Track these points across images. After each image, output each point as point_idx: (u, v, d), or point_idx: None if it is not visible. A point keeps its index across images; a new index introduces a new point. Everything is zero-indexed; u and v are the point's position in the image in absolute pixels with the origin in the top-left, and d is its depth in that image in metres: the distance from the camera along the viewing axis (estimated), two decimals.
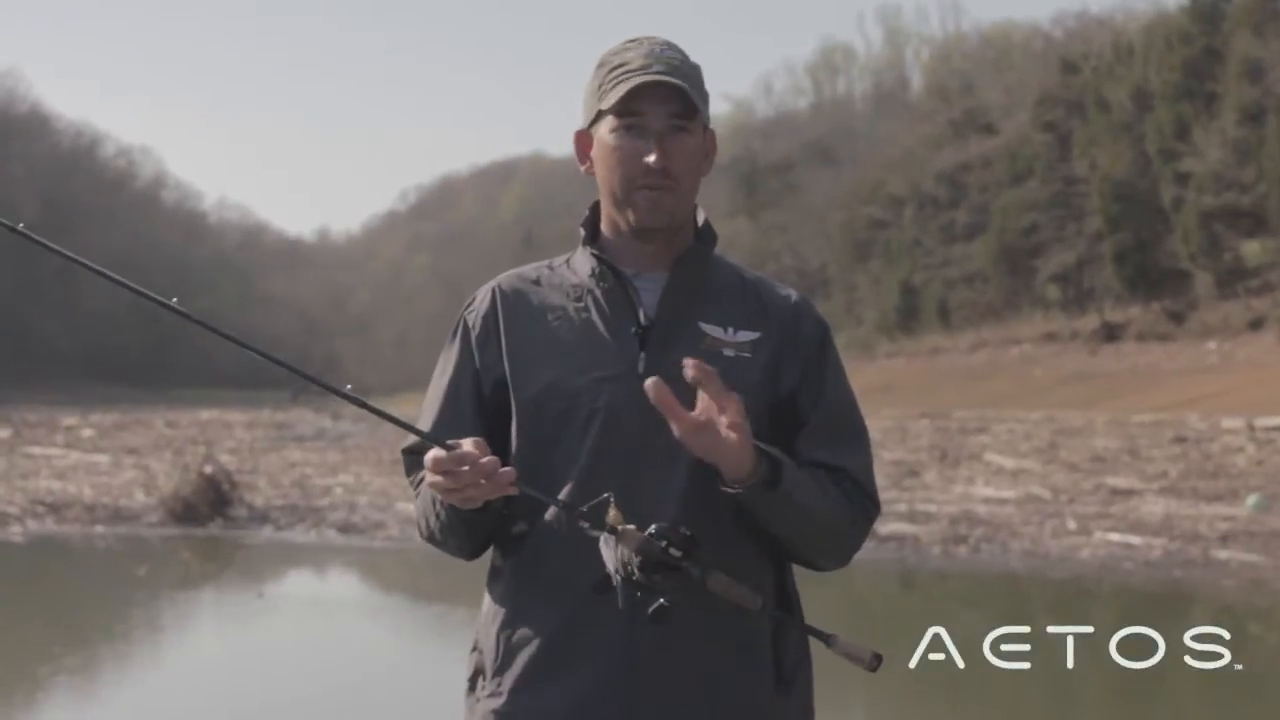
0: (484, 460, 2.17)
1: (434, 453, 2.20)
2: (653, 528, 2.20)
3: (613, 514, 2.22)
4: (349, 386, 2.34)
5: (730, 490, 2.25)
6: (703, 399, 2.19)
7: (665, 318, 2.40)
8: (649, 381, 2.18)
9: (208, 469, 17.84)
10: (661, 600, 2.19)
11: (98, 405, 52.22)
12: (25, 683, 8.97)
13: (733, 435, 2.19)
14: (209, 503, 17.11)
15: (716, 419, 2.19)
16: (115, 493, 19.44)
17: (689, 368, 2.18)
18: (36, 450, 27.08)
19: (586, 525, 2.27)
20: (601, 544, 2.26)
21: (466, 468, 2.17)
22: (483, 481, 2.17)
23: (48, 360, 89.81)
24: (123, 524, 17.03)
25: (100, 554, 15.36)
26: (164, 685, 9.35)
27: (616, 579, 2.24)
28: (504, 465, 2.21)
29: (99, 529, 16.73)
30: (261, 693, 8.85)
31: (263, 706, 8.37)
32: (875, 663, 2.25)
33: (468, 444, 2.21)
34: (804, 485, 2.32)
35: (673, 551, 2.18)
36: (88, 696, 8.85)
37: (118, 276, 2.40)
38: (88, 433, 32.61)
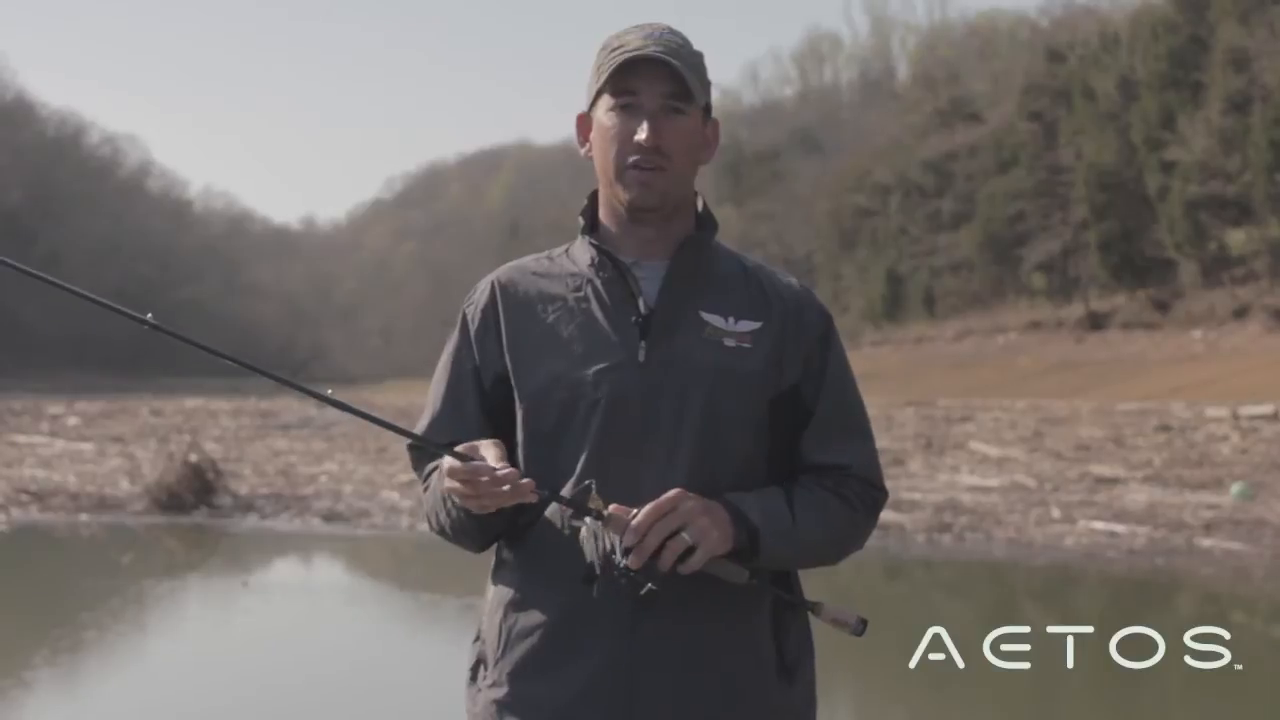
0: (504, 472, 2.19)
1: (452, 462, 2.23)
2: (635, 511, 2.21)
3: (595, 500, 2.23)
4: (330, 391, 2.36)
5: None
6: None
7: (666, 306, 2.39)
8: (610, 508, 2.22)
9: (193, 457, 17.79)
10: (650, 585, 2.20)
11: (83, 393, 52.08)
12: (8, 672, 8.95)
13: (692, 548, 2.22)
14: (194, 491, 17.07)
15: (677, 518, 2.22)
16: (100, 481, 19.40)
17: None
18: (21, 438, 27.00)
19: (569, 514, 2.28)
20: (583, 533, 2.27)
21: (486, 479, 2.19)
22: (505, 489, 2.19)
23: (33, 348, 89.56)
24: (107, 512, 16.99)
25: (85, 542, 15.32)
26: (148, 674, 9.34)
27: (598, 567, 2.25)
28: (511, 459, 2.26)
29: (84, 517, 16.69)
30: (246, 681, 8.84)
31: (247, 695, 8.36)
32: (861, 627, 2.28)
33: (488, 450, 2.23)
34: (789, 536, 2.33)
35: None
36: (72, 686, 8.83)
37: (89, 293, 2.39)
38: (73, 421, 32.52)
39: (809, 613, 2.36)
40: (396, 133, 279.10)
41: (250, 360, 2.42)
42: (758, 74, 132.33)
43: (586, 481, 2.28)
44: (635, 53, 2.35)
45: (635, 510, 2.21)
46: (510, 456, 2.32)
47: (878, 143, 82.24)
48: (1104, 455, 22.69)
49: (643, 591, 2.20)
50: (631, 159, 2.38)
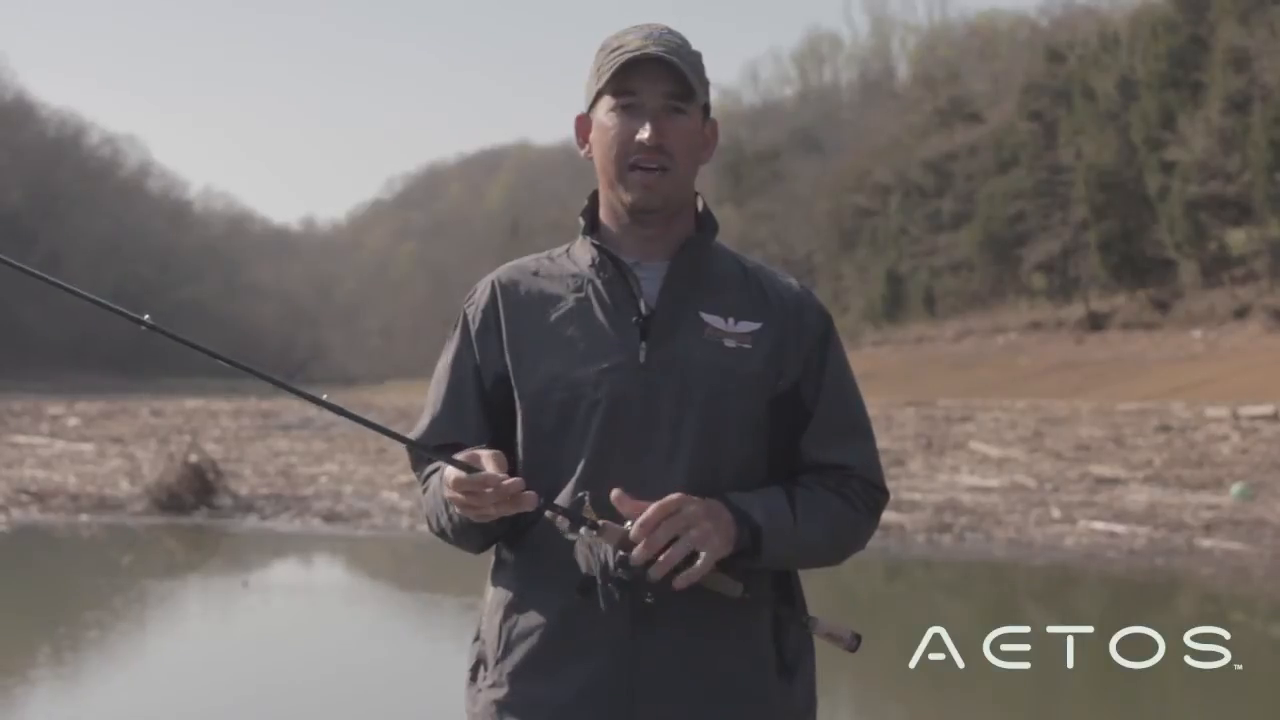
0: (507, 483, 2.18)
1: (456, 473, 2.22)
2: (629, 523, 2.21)
3: (589, 511, 2.24)
4: (325, 395, 2.38)
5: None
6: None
7: (666, 307, 2.39)
8: (614, 495, 2.21)
9: (193, 458, 17.79)
10: (647, 598, 2.20)
11: (83, 394, 52.15)
12: (9, 671, 8.95)
13: (700, 552, 2.21)
14: (194, 492, 17.07)
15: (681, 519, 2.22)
16: (100, 482, 19.40)
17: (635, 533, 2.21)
18: (21, 439, 27.01)
19: (565, 525, 2.28)
20: (578, 545, 2.28)
21: (490, 490, 2.19)
22: (506, 501, 2.19)
23: (33, 349, 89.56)
24: (107, 513, 17.00)
25: (85, 543, 15.33)
26: (148, 674, 9.33)
27: (597, 579, 2.26)
28: (510, 460, 2.26)
29: (84, 518, 16.69)
30: (246, 681, 8.83)
31: (247, 695, 8.36)
32: (855, 643, 2.27)
33: (488, 461, 2.23)
34: (791, 536, 2.33)
35: None
36: (72, 686, 8.83)
37: (88, 294, 2.39)
38: (73, 421, 32.53)
39: (803, 627, 2.35)
40: (396, 133, 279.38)
41: (246, 361, 2.42)
42: (758, 74, 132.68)
43: (580, 493, 2.28)
44: (636, 52, 2.35)
45: (629, 522, 2.21)
46: (510, 457, 2.33)
47: (878, 143, 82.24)
48: (1104, 455, 22.68)
49: (648, 599, 2.21)
50: (634, 159, 2.37)
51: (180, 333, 2.36)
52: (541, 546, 2.36)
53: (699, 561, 2.21)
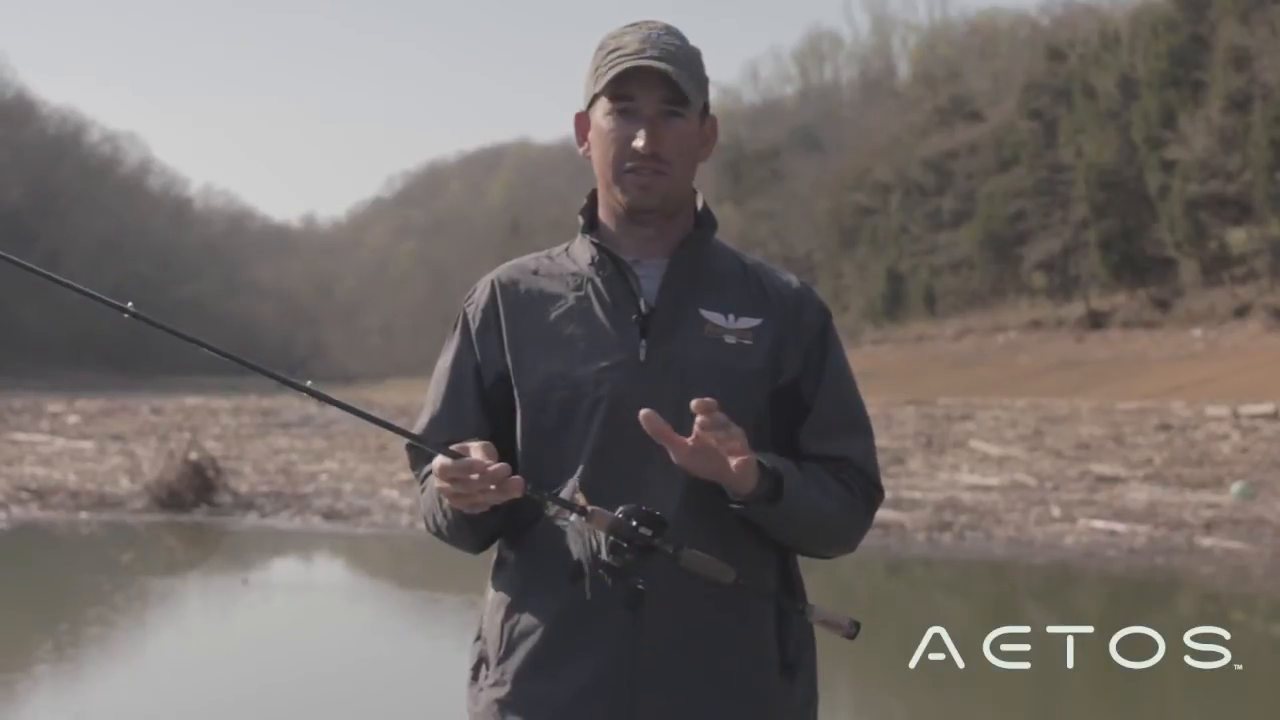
0: (493, 468, 2.17)
1: (442, 460, 2.21)
2: (620, 509, 2.20)
3: (579, 497, 2.23)
4: (310, 382, 2.36)
5: (734, 505, 2.28)
6: (697, 425, 2.19)
7: (666, 305, 2.39)
8: (643, 414, 2.20)
9: (193, 455, 17.80)
10: (638, 585, 2.20)
11: (83, 391, 52.08)
12: (9, 669, 8.95)
13: (736, 460, 2.21)
14: (194, 489, 17.09)
15: (715, 444, 2.20)
16: (100, 479, 19.40)
17: (697, 411, 2.18)
18: (21, 436, 27.00)
19: (554, 512, 2.28)
20: (569, 532, 2.28)
21: (476, 476, 2.18)
22: (492, 488, 2.18)
23: (33, 346, 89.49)
24: (107, 510, 17.00)
25: (85, 540, 15.33)
26: (148, 671, 9.34)
27: (586, 566, 2.26)
28: (510, 459, 2.24)
29: (83, 515, 16.70)
30: (246, 679, 8.84)
31: (247, 693, 8.36)
32: (853, 630, 2.27)
33: (476, 449, 2.22)
34: (805, 492, 2.32)
35: (643, 531, 2.19)
36: (71, 684, 8.84)
37: (72, 283, 2.38)
38: (73, 419, 32.50)
39: (801, 615, 2.35)
40: (397, 131, 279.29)
41: (233, 351, 2.40)
42: (758, 72, 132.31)
43: (572, 479, 2.29)
44: (631, 62, 2.35)
45: (619, 509, 2.21)
46: (510, 455, 2.32)
47: (878, 141, 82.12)
48: (1104, 454, 22.67)
49: (625, 594, 2.21)
50: (629, 165, 2.38)
51: (179, 330, 2.36)
52: (542, 545, 2.36)
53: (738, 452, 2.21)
